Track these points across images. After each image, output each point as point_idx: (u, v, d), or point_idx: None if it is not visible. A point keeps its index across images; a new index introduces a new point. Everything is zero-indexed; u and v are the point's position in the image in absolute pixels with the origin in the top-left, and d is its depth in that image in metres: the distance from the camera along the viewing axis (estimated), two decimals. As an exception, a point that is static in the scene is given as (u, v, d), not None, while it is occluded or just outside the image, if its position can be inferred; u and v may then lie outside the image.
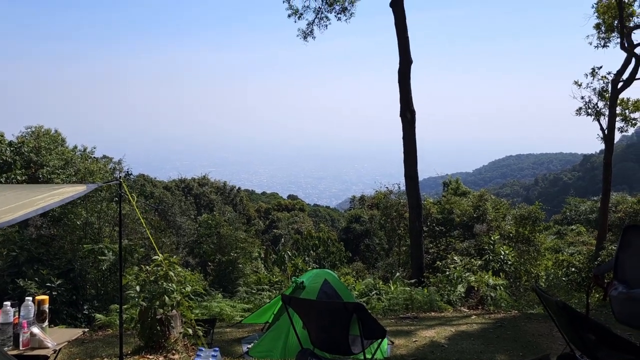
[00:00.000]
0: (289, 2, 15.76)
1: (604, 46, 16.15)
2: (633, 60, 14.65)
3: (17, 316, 4.00)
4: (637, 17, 15.20)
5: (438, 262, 13.65)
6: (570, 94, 15.97)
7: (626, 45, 14.68)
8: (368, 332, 4.03)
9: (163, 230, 16.07)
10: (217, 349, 4.66)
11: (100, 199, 12.35)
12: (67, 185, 4.00)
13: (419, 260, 12.88)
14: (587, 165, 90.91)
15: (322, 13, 15.89)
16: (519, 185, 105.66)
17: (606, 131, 15.16)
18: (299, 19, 15.89)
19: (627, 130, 16.39)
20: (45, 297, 4.25)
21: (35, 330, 3.96)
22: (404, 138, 13.03)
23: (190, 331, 5.56)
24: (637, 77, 14.65)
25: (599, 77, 15.71)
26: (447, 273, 11.27)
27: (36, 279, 9.16)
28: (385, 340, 5.92)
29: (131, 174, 17.67)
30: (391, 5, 13.09)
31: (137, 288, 5.37)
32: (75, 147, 15.89)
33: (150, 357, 5.25)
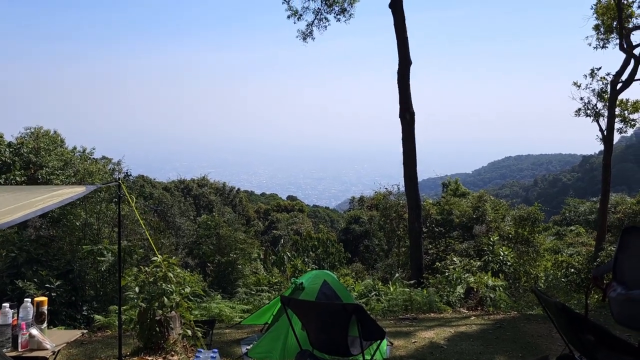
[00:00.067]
0: (288, 3, 15.79)
1: (603, 47, 16.19)
2: (632, 61, 14.68)
3: (15, 317, 3.99)
4: (636, 18, 15.24)
5: (437, 263, 13.66)
6: (570, 95, 16.04)
7: (625, 46, 14.71)
8: (367, 334, 4.02)
9: (162, 231, 16.07)
10: (216, 350, 4.66)
11: (100, 199, 12.33)
12: (66, 187, 4.00)
13: (418, 261, 12.88)
14: (587, 166, 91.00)
15: (321, 14, 15.92)
16: (518, 186, 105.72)
17: (605, 132, 15.18)
18: (298, 20, 15.93)
19: (626, 131, 16.44)
20: (44, 299, 4.24)
21: (34, 331, 3.96)
22: (403, 139, 13.04)
23: (190, 332, 5.55)
24: (636, 78, 14.68)
25: (598, 78, 15.76)
26: (447, 274, 11.27)
27: (35, 280, 9.15)
28: (385, 342, 5.91)
29: (130, 174, 17.66)
30: (390, 6, 13.10)
31: (136, 289, 5.36)
32: (75, 148, 15.88)
33: (150, 358, 5.25)
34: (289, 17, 15.87)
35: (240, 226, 18.51)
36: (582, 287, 12.13)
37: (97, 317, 8.10)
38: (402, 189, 15.49)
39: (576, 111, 16.17)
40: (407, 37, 13.06)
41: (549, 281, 12.93)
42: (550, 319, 3.71)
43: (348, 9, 15.75)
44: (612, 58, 17.07)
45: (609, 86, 15.20)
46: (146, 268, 5.60)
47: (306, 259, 18.11)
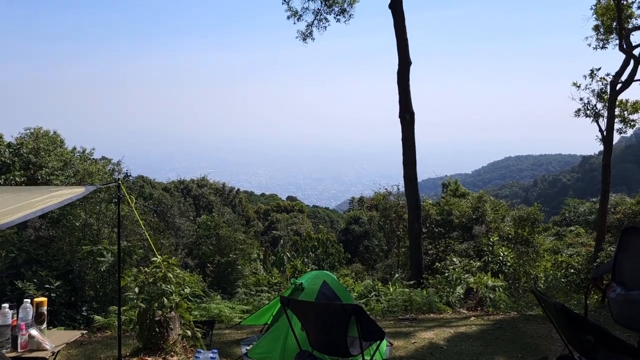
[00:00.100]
0: (288, 4, 15.81)
1: (602, 47, 16.21)
2: (632, 61, 14.70)
3: (15, 318, 3.99)
4: (636, 19, 15.25)
5: (437, 264, 13.66)
6: (570, 96, 16.05)
7: (625, 46, 14.73)
8: (367, 334, 4.02)
9: (162, 232, 16.07)
10: (215, 350, 4.66)
11: (99, 200, 12.33)
12: (66, 187, 4.00)
13: (418, 261, 12.88)
14: (586, 166, 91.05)
15: (321, 15, 15.94)
16: (518, 186, 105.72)
17: (605, 132, 15.20)
18: (298, 21, 15.95)
19: (625, 131, 16.46)
20: (44, 299, 4.24)
21: (34, 332, 3.96)
22: (403, 139, 13.04)
23: (189, 333, 5.55)
24: (635, 78, 14.69)
25: (598, 79, 15.78)
26: (446, 274, 11.28)
27: (35, 280, 9.14)
28: (384, 342, 5.91)
29: (130, 175, 17.66)
30: (390, 6, 13.11)
31: (136, 290, 5.36)
32: (74, 148, 15.87)
33: (149, 358, 5.25)
34: (288, 17, 15.90)
35: (240, 227, 18.52)
36: (582, 287, 12.14)
37: (96, 317, 8.10)
38: (402, 189, 15.51)
39: (576, 112, 16.20)
40: (407, 38, 13.07)
41: (549, 282, 12.93)
42: (549, 320, 3.71)
43: (348, 9, 15.78)
44: (611, 58, 17.20)
45: (608, 87, 15.22)
46: (146, 268, 5.60)
47: (306, 260, 18.11)
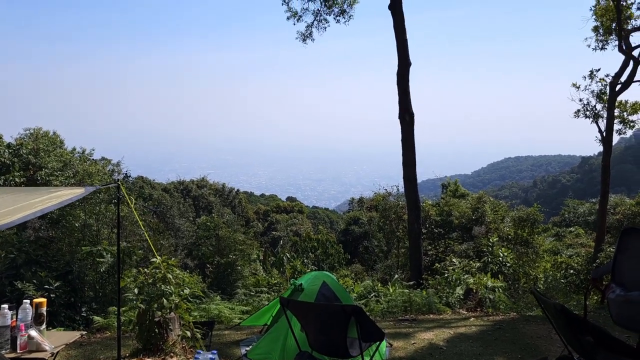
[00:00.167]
0: (287, 5, 15.81)
1: (602, 49, 16.22)
2: (631, 62, 14.72)
3: (14, 319, 3.99)
4: (635, 20, 15.27)
5: (437, 264, 13.66)
6: (569, 96, 16.07)
7: (624, 47, 14.74)
8: (366, 335, 4.02)
9: (161, 233, 16.07)
10: (215, 351, 4.66)
11: (99, 201, 12.33)
12: (65, 188, 4.00)
13: (417, 262, 12.88)
14: (586, 167, 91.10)
15: (320, 16, 15.95)
16: (517, 187, 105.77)
17: (604, 133, 15.20)
18: (298, 22, 15.96)
19: (625, 132, 16.47)
20: (43, 300, 4.24)
21: (33, 333, 3.96)
22: (402, 140, 13.04)
23: (189, 333, 5.55)
24: (635, 79, 14.71)
25: (597, 80, 15.79)
26: (446, 275, 11.27)
27: (34, 281, 9.14)
28: (384, 343, 5.91)
29: (130, 175, 17.66)
30: (390, 7, 13.12)
31: (136, 290, 5.36)
32: (74, 149, 15.88)
33: (149, 359, 5.25)
34: (288, 18, 15.91)
35: (239, 227, 18.52)
36: (581, 288, 12.14)
37: (96, 318, 8.09)
38: (402, 190, 15.50)
39: (575, 112, 16.21)
40: (406, 39, 13.08)
41: (548, 282, 12.94)
42: (549, 321, 3.71)
43: (347, 10, 15.79)
44: (611, 59, 17.20)
45: (608, 87, 15.23)
46: (145, 269, 5.60)
47: (305, 260, 18.11)
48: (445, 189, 22.22)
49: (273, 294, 11.33)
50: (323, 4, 15.75)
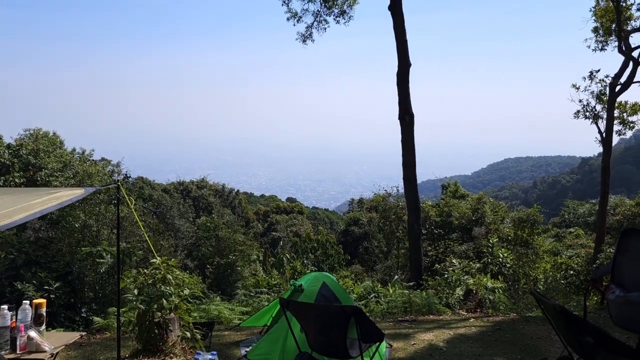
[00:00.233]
0: (287, 5, 15.82)
1: (601, 49, 16.23)
2: (631, 63, 14.72)
3: (14, 320, 3.98)
4: (635, 21, 15.28)
5: (437, 265, 13.65)
6: (569, 97, 16.07)
7: (624, 48, 14.75)
8: (366, 336, 4.02)
9: (161, 233, 16.07)
10: (215, 352, 4.66)
11: (99, 201, 12.33)
12: (65, 189, 4.00)
13: (417, 263, 12.87)
14: (586, 168, 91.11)
15: (320, 16, 15.95)
16: (517, 188, 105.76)
17: (604, 134, 15.20)
18: (297, 22, 15.96)
19: (625, 133, 16.46)
20: (43, 301, 4.24)
21: (33, 334, 3.95)
22: (402, 141, 13.04)
23: (188, 334, 5.55)
24: (634, 80, 14.71)
25: (597, 80, 15.79)
26: (446, 276, 11.27)
27: (34, 281, 9.14)
28: (384, 344, 5.91)
29: (129, 176, 17.67)
30: (390, 8, 13.12)
31: (135, 291, 5.36)
32: (74, 149, 15.89)
33: (148, 360, 5.24)
34: (288, 19, 15.91)
35: (239, 228, 18.52)
36: (581, 289, 12.14)
37: (96, 319, 8.09)
38: (402, 190, 15.50)
39: (575, 113, 16.21)
40: (406, 40, 13.08)
41: (548, 283, 12.94)
42: (549, 321, 3.71)
43: (347, 11, 15.79)
44: (610, 60, 17.21)
45: (607, 88, 15.23)
46: (145, 270, 5.60)
47: (305, 261, 18.11)
48: (445, 189, 22.22)
49: (273, 294, 11.32)
50: (323, 4, 15.76)
